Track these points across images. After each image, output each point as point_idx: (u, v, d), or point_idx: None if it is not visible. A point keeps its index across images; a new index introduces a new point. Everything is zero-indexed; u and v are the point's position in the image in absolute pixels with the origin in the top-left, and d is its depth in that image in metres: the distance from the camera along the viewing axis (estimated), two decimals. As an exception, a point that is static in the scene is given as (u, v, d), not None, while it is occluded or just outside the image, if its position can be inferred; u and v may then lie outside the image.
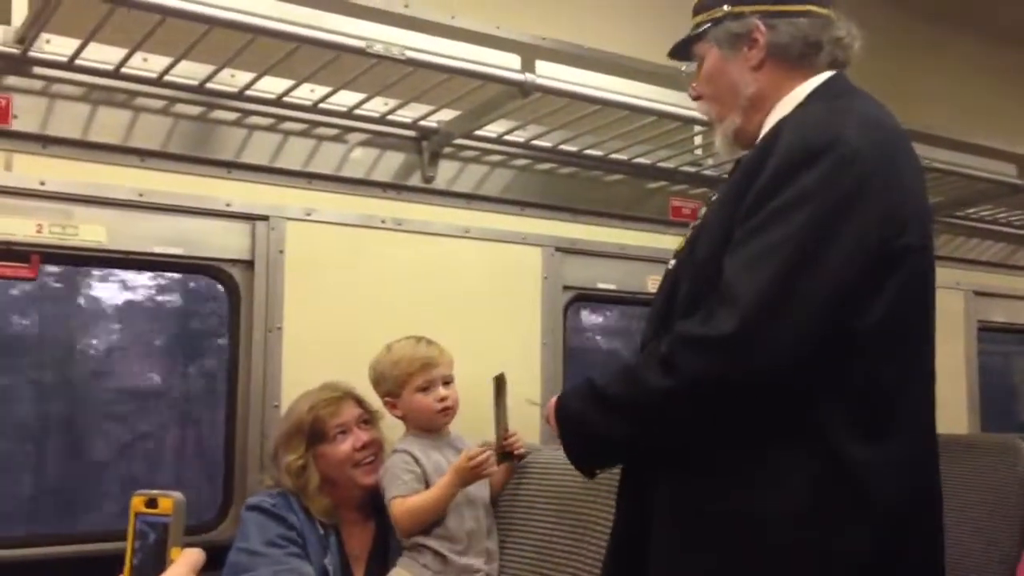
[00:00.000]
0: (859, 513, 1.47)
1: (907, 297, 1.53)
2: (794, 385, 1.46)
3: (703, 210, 1.79)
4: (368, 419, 2.47)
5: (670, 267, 1.74)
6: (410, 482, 2.35)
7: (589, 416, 1.64)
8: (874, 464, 1.48)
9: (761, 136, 1.66)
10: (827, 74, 1.69)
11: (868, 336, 1.49)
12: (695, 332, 1.49)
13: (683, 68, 1.86)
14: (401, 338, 2.51)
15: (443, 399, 2.44)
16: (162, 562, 1.01)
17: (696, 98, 1.83)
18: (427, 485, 2.36)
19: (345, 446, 2.40)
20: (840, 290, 1.46)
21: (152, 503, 1.03)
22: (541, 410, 1.82)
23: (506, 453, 2.41)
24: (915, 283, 1.55)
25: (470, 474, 2.33)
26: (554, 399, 1.76)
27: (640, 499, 1.66)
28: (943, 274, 4.51)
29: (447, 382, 2.47)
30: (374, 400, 2.53)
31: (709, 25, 1.74)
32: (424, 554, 2.33)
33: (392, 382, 2.44)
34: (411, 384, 2.43)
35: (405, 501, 2.33)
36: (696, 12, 1.79)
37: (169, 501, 1.02)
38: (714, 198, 1.73)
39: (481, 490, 2.45)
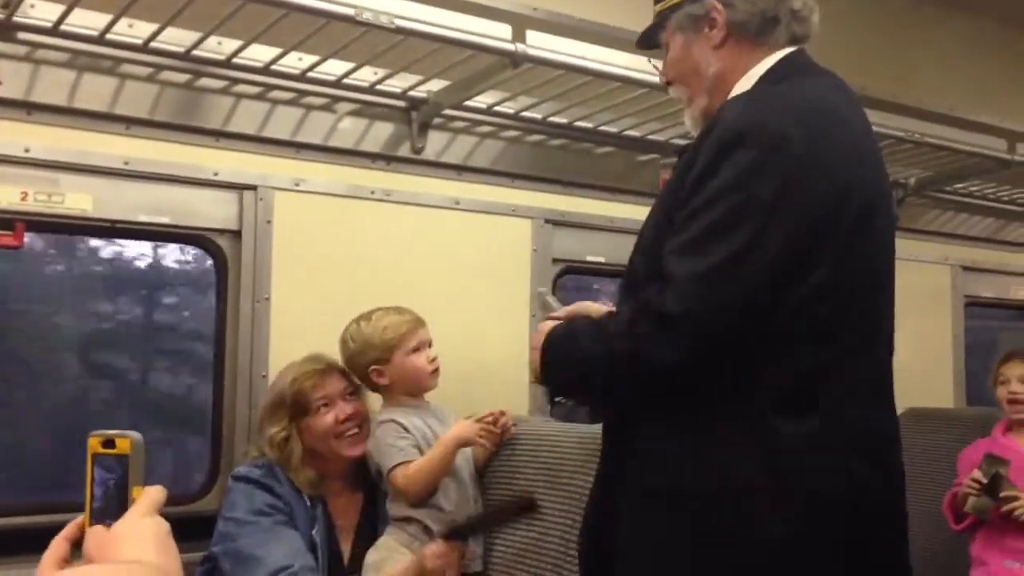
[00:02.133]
0: (784, 492, 1.52)
1: (845, 279, 1.56)
2: (730, 363, 1.53)
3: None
4: (353, 391, 2.47)
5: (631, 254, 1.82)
6: (407, 448, 2.34)
7: (565, 349, 1.71)
8: (798, 443, 1.53)
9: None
10: (782, 52, 1.74)
11: (801, 315, 1.53)
12: (647, 309, 1.55)
13: (652, 62, 1.97)
14: (372, 311, 2.49)
15: (433, 360, 2.46)
16: (124, 501, 1.01)
17: (667, 84, 1.90)
18: (420, 452, 2.35)
19: (328, 418, 2.40)
20: (771, 270, 1.51)
21: (109, 443, 1.02)
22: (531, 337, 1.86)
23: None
24: (855, 265, 1.58)
25: (474, 433, 2.37)
26: (550, 323, 1.81)
27: (613, 471, 1.74)
28: (931, 249, 4.56)
29: (430, 344, 2.49)
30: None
31: (669, 12, 1.81)
32: (411, 524, 2.34)
33: (382, 347, 2.42)
34: (404, 346, 2.42)
35: (408, 468, 2.32)
36: (656, 1, 1.86)
37: (126, 441, 1.02)
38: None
39: (467, 462, 2.45)
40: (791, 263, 1.52)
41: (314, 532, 2.35)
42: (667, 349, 1.52)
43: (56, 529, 1.04)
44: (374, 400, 2.52)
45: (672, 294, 1.51)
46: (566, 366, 1.73)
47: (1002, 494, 2.94)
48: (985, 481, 2.95)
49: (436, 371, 2.47)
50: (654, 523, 1.61)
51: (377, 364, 2.44)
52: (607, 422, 1.82)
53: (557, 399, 1.88)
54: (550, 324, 1.78)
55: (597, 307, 1.94)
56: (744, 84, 1.72)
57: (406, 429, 2.37)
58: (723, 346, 1.52)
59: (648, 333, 1.53)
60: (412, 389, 2.46)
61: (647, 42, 1.93)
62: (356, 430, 2.43)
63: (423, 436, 2.39)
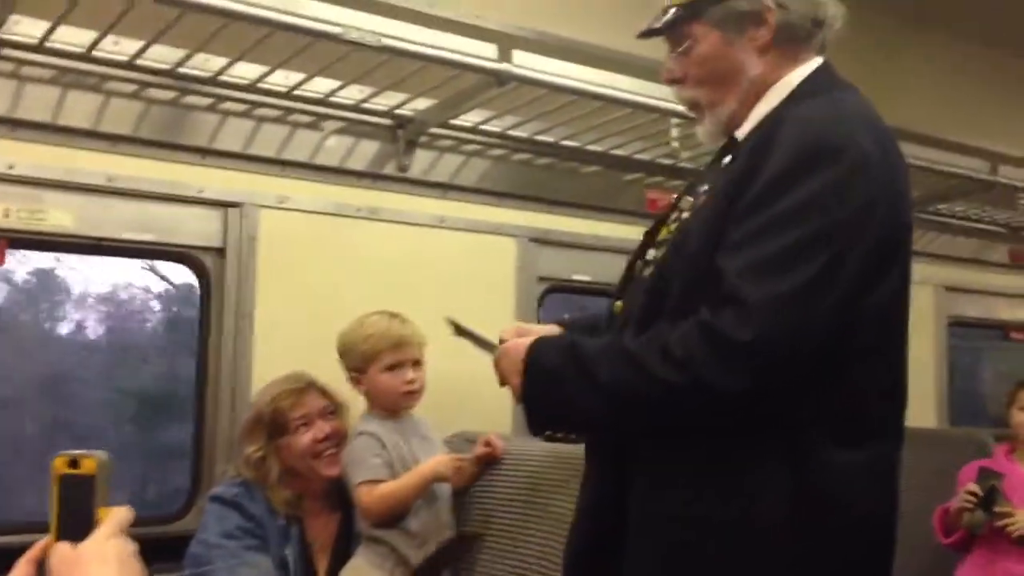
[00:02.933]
0: (835, 521, 1.46)
1: (895, 301, 1.52)
2: (793, 388, 1.43)
3: (688, 200, 1.69)
4: (332, 410, 2.45)
5: (650, 258, 1.68)
6: (378, 467, 2.31)
7: (568, 380, 1.54)
8: (852, 471, 1.46)
9: (747, 127, 1.61)
10: (816, 62, 1.63)
11: (858, 342, 1.47)
12: (711, 334, 1.40)
13: (669, 52, 1.71)
14: (374, 312, 2.46)
15: (410, 382, 2.40)
16: (89, 522, 0.99)
17: (674, 81, 1.69)
18: (392, 472, 2.33)
19: (306, 438, 2.38)
20: (851, 299, 1.43)
21: (75, 463, 1.01)
22: (492, 351, 1.69)
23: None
24: (901, 286, 1.54)
25: (451, 472, 2.33)
26: (523, 341, 1.63)
27: (611, 494, 1.61)
28: (914, 269, 4.57)
29: (416, 364, 2.43)
30: (342, 390, 2.50)
31: (706, 3, 1.61)
32: (382, 546, 2.31)
33: (360, 357, 2.40)
34: (379, 362, 2.38)
35: (376, 488, 2.29)
36: None
37: (92, 461, 1.01)
38: (702, 189, 1.65)
39: (443, 486, 2.41)
40: (863, 288, 1.44)
41: (287, 551, 2.33)
42: (733, 379, 1.38)
43: (21, 549, 1.03)
44: (359, 414, 2.51)
45: (741, 318, 1.37)
46: (575, 402, 1.54)
47: (996, 509, 2.94)
48: (981, 494, 2.95)
49: (412, 393, 2.41)
50: (669, 553, 1.51)
51: (354, 371, 2.42)
52: (598, 444, 1.69)
53: (549, 433, 1.69)
54: (523, 342, 1.62)
55: (540, 327, 1.85)
56: (775, 95, 1.59)
57: (383, 445, 2.34)
58: (793, 375, 1.40)
59: (710, 361, 1.39)
60: (385, 406, 2.42)
61: (661, 32, 1.69)
62: (334, 449, 2.41)
63: (399, 456, 2.36)
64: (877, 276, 1.46)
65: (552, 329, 1.82)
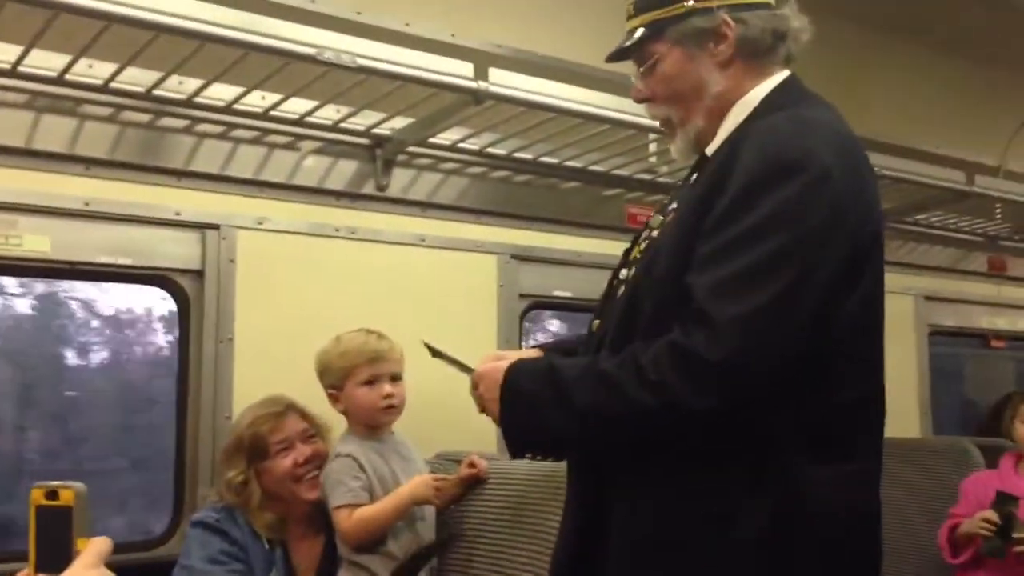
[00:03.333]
0: (814, 537, 1.46)
1: (867, 312, 1.52)
2: (766, 405, 1.43)
3: (657, 218, 1.70)
4: (313, 433, 2.43)
5: (623, 277, 1.68)
6: (357, 490, 2.29)
7: (544, 404, 1.54)
8: (830, 485, 1.46)
9: (716, 144, 1.62)
10: (781, 76, 1.64)
11: (834, 352, 1.47)
12: (683, 354, 1.40)
13: (639, 70, 1.73)
14: (352, 330, 2.45)
15: (388, 396, 2.37)
16: (67, 553, 0.99)
17: (643, 100, 1.71)
18: (371, 495, 2.31)
19: (287, 461, 2.36)
20: (819, 313, 1.43)
21: (53, 495, 1.00)
22: (467, 371, 1.70)
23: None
24: (871, 298, 1.53)
25: (431, 494, 2.31)
26: (500, 365, 1.63)
27: (593, 518, 1.61)
28: (893, 279, 4.61)
29: (395, 379, 2.41)
30: (322, 412, 2.49)
31: (667, 23, 1.63)
32: (362, 571, 2.29)
33: (336, 374, 2.38)
34: (355, 377, 2.37)
35: (355, 512, 2.27)
36: (641, 10, 1.67)
37: (70, 492, 1.00)
38: (671, 207, 1.66)
39: (425, 507, 2.40)
40: (835, 298, 1.44)
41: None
42: (705, 400, 1.38)
43: None
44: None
45: (710, 338, 1.37)
46: (551, 424, 1.54)
47: (1015, 535, 2.92)
48: (1000, 522, 2.94)
49: (391, 408, 2.39)
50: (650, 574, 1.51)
51: (332, 389, 2.41)
52: (578, 465, 1.69)
53: (529, 457, 1.63)
54: (500, 366, 1.62)
55: (516, 352, 1.85)
56: (741, 109, 1.60)
57: (362, 467, 2.32)
58: (765, 392, 1.40)
59: (682, 382, 1.39)
60: (364, 421, 2.40)
61: (625, 55, 1.72)
62: (316, 472, 2.39)
63: (379, 477, 2.34)
64: (846, 288, 1.46)
65: (530, 354, 1.82)
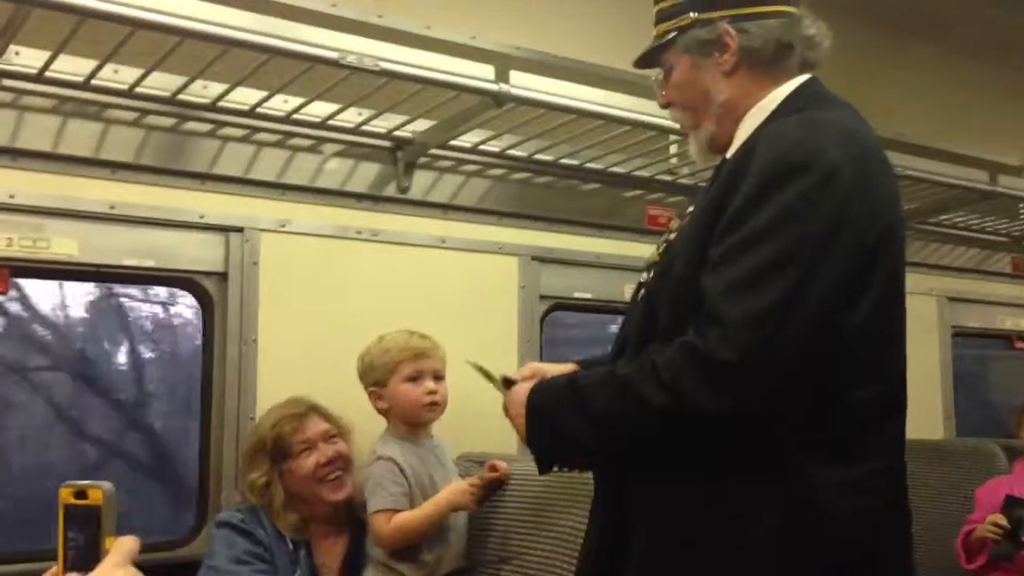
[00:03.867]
0: (830, 539, 1.46)
1: (883, 313, 1.52)
2: (779, 405, 1.43)
3: (676, 222, 1.74)
4: (335, 433, 2.45)
5: (643, 280, 1.71)
6: (398, 495, 2.31)
7: (563, 415, 1.58)
8: (846, 487, 1.46)
9: (735, 147, 1.64)
10: (800, 79, 1.66)
11: (846, 351, 1.47)
12: (695, 354, 1.42)
13: (653, 76, 1.81)
14: (393, 331, 2.48)
15: (431, 392, 2.40)
16: (97, 552, 1.00)
17: (665, 106, 1.78)
18: (410, 501, 2.32)
19: (309, 462, 2.38)
20: (827, 311, 1.44)
21: (81, 494, 1.01)
22: (503, 392, 1.75)
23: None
24: (887, 300, 1.54)
25: (469, 500, 2.33)
26: (526, 386, 1.68)
27: (616, 522, 1.63)
28: (916, 280, 4.59)
29: (438, 377, 2.44)
30: (344, 412, 2.50)
31: (676, 33, 1.70)
32: (390, 574, 2.31)
33: (380, 370, 2.41)
34: (399, 373, 2.39)
35: (394, 517, 2.29)
36: (660, 20, 1.75)
37: (98, 492, 1.01)
38: (689, 211, 1.69)
39: (458, 516, 2.42)
40: (841, 301, 1.45)
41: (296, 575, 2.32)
42: (719, 400, 1.40)
43: None
44: (364, 438, 2.50)
45: (722, 338, 1.39)
46: (571, 433, 1.57)
47: None
48: (1008, 526, 2.92)
49: (434, 404, 2.42)
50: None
51: (375, 387, 2.43)
52: (603, 468, 1.72)
53: (555, 469, 1.65)
54: (526, 387, 1.67)
55: (550, 366, 1.90)
56: (760, 113, 1.63)
57: (403, 472, 2.34)
58: (777, 392, 1.42)
59: (695, 384, 1.41)
60: (407, 419, 2.42)
61: (647, 61, 1.79)
62: (339, 473, 2.41)
63: (418, 483, 2.36)
64: (856, 287, 1.47)
65: (566, 368, 1.86)
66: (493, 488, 2.44)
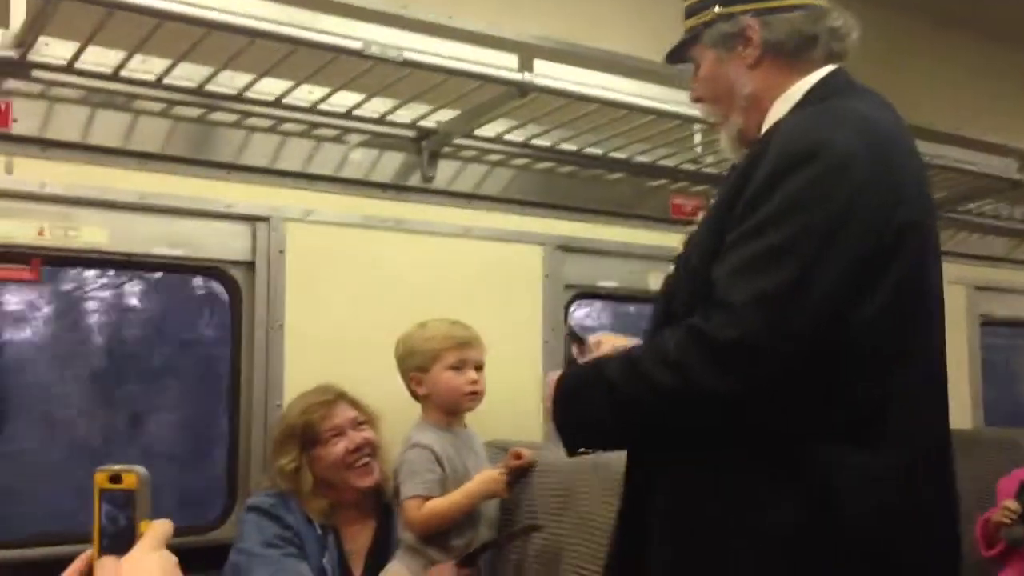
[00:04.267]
0: (840, 525, 1.45)
1: (900, 302, 1.50)
2: (788, 392, 1.43)
3: (702, 214, 1.77)
4: (363, 420, 2.47)
5: (670, 272, 1.73)
6: (431, 483, 2.33)
7: (585, 397, 1.61)
8: (865, 476, 1.46)
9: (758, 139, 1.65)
10: (825, 70, 1.66)
11: (858, 341, 1.46)
12: (700, 336, 1.44)
13: (679, 68, 1.83)
14: (433, 319, 2.51)
15: (474, 382, 2.44)
16: (131, 536, 1.01)
17: (697, 100, 1.81)
18: (443, 489, 2.35)
19: (338, 448, 2.41)
20: (834, 297, 1.43)
21: (116, 478, 1.03)
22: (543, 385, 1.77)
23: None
24: (909, 287, 1.52)
25: (500, 488, 2.35)
26: (556, 372, 1.73)
27: (638, 505, 1.65)
28: (944, 269, 4.54)
29: (479, 367, 2.47)
30: (372, 400, 2.52)
31: (702, 28, 1.72)
32: (420, 557, 2.33)
33: (423, 356, 2.43)
34: (443, 361, 2.42)
35: (427, 503, 2.31)
36: (688, 16, 1.77)
37: (133, 476, 1.02)
38: (712, 202, 1.71)
39: (489, 505, 2.44)
40: (855, 286, 1.44)
41: (324, 560, 2.35)
42: (723, 381, 1.41)
43: (64, 560, 1.05)
44: (389, 425, 2.52)
45: (725, 319, 1.41)
46: (592, 416, 1.60)
47: None
48: (1021, 511, 2.91)
49: (475, 394, 2.45)
50: (689, 560, 1.53)
51: (417, 372, 2.45)
52: (630, 452, 1.73)
53: (580, 451, 1.68)
54: (556, 374, 1.71)
55: (615, 338, 1.86)
56: (784, 104, 1.64)
57: (439, 461, 2.36)
58: (783, 376, 1.41)
59: (700, 364, 1.42)
60: (447, 406, 2.45)
61: (677, 57, 1.82)
62: (367, 460, 2.43)
63: (453, 470, 2.38)
64: (869, 276, 1.46)
65: (623, 340, 1.87)
66: (520, 475, 2.45)
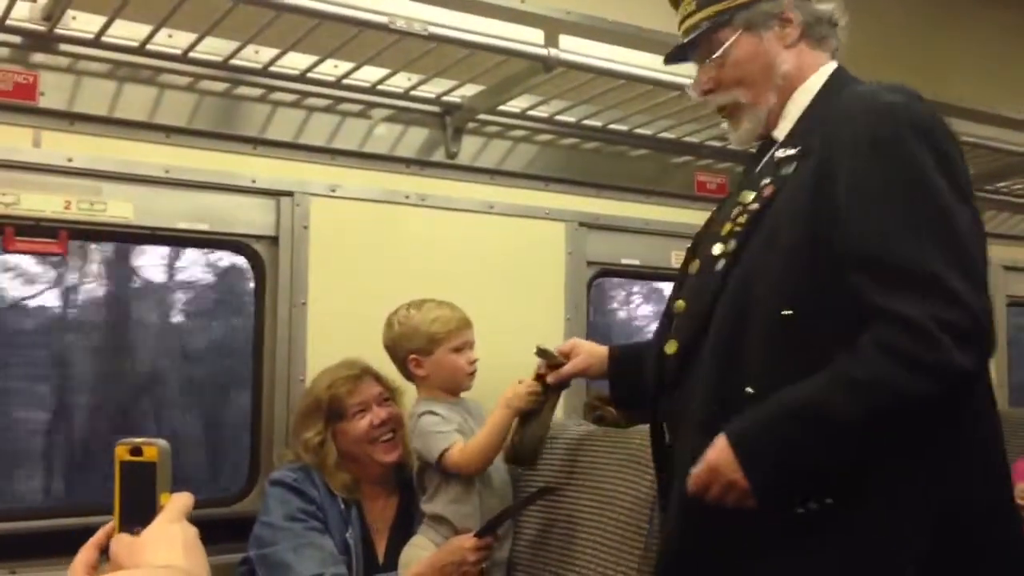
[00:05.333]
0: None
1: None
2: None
3: (747, 193, 1.69)
4: (388, 396, 2.49)
5: (717, 253, 1.67)
6: (451, 432, 2.33)
7: (806, 444, 1.46)
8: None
9: (790, 124, 1.69)
10: (832, 65, 1.73)
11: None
12: (947, 326, 1.39)
13: (700, 65, 1.81)
14: (421, 300, 2.49)
15: (473, 363, 2.46)
16: (152, 507, 1.02)
17: (708, 92, 1.80)
18: (464, 437, 2.34)
19: (363, 423, 2.42)
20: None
21: (137, 451, 1.04)
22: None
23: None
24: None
25: (531, 400, 2.30)
26: (713, 453, 1.52)
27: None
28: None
29: (472, 347, 2.49)
30: (395, 376, 2.53)
31: (735, 10, 1.73)
32: (443, 525, 2.35)
33: (426, 339, 2.43)
34: (447, 343, 2.43)
35: (462, 449, 2.30)
36: (707, 3, 1.75)
37: (154, 449, 1.04)
38: (764, 182, 1.66)
39: (502, 475, 2.45)
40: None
41: (348, 535, 2.37)
42: (971, 361, 1.40)
43: (84, 531, 1.06)
44: (413, 399, 2.53)
45: (953, 303, 1.39)
46: (814, 452, 1.46)
47: None
48: None
49: (473, 374, 2.47)
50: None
51: (418, 354, 2.45)
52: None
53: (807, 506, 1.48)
54: (721, 442, 1.52)
55: (589, 344, 2.02)
56: (806, 92, 1.70)
57: (445, 420, 2.37)
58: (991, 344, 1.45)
59: (961, 351, 1.38)
60: (448, 386, 2.46)
61: (684, 52, 1.83)
62: (390, 435, 2.45)
63: (459, 428, 2.38)
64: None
65: (594, 347, 2.06)
66: (551, 388, 2.33)
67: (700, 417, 1.62)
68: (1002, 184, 4.00)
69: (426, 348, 2.44)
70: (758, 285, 1.57)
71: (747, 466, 1.49)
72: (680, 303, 1.76)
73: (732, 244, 1.65)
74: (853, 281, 1.46)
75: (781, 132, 1.72)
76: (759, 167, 1.75)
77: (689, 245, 1.87)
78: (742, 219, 1.66)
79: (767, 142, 1.77)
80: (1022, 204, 4.25)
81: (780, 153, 1.67)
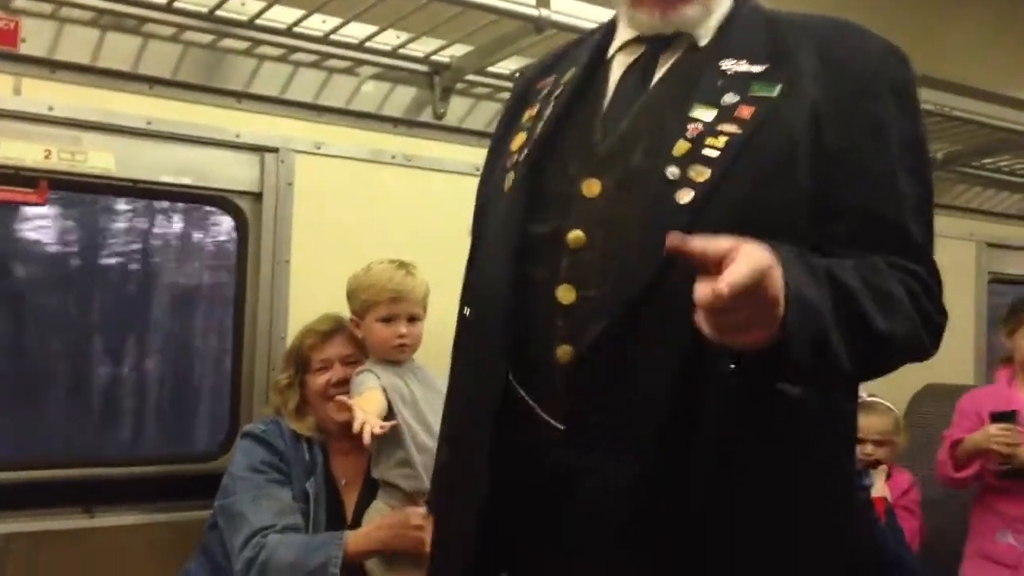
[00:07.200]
0: None
1: None
2: None
3: (707, 109, 1.34)
4: (356, 360, 2.47)
5: (673, 177, 1.29)
6: (373, 387, 2.31)
7: (860, 300, 1.24)
8: None
9: (715, 24, 1.44)
10: None
11: None
12: (934, 282, 1.38)
13: None
14: (385, 260, 2.47)
15: (402, 336, 2.39)
16: None
17: None
18: (387, 400, 2.30)
19: (321, 380, 2.45)
20: None
21: None
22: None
23: None
24: None
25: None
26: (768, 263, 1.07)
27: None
28: (955, 224, 4.48)
29: (412, 319, 2.42)
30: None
31: None
32: (396, 490, 2.33)
33: (358, 304, 2.43)
34: (375, 312, 2.40)
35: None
36: None
37: None
38: (734, 100, 1.33)
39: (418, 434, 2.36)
40: None
41: (308, 485, 2.38)
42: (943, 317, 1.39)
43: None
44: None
45: (929, 261, 1.38)
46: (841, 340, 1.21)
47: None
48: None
49: (403, 347, 2.40)
50: None
51: (355, 315, 2.46)
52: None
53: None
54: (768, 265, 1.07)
55: None
56: None
57: (377, 378, 2.34)
58: None
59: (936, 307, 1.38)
60: (376, 353, 2.43)
61: None
62: (346, 396, 2.44)
63: (394, 388, 2.33)
64: None
65: None
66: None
67: (651, 424, 1.26)
68: (988, 160, 4.00)
69: (359, 312, 2.44)
70: (748, 234, 1.11)
71: (794, 307, 1.12)
72: (578, 234, 1.35)
73: (706, 172, 1.28)
74: (859, 240, 1.32)
75: (704, 36, 1.44)
76: (700, 78, 1.39)
77: (526, 153, 1.50)
78: (714, 141, 1.30)
79: (651, 43, 1.49)
80: (1007, 181, 4.25)
81: (733, 66, 1.38)
